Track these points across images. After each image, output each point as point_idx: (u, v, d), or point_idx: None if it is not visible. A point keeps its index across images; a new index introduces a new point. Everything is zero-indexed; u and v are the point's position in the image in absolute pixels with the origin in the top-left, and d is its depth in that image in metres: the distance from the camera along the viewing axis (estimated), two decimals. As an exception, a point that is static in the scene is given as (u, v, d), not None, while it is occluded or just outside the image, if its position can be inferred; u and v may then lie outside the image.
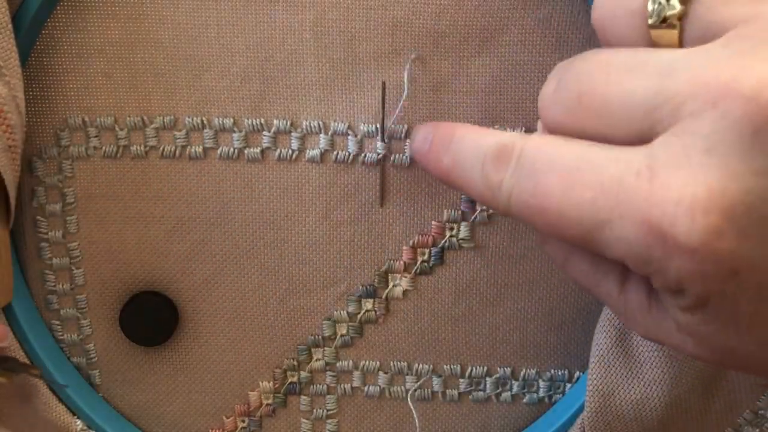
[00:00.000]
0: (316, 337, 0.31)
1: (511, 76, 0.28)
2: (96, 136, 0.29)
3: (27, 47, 0.27)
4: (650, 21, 0.19)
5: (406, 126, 0.28)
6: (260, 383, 0.31)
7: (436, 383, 0.31)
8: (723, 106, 0.16)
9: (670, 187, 0.17)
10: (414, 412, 0.31)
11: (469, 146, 0.22)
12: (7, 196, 0.26)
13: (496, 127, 0.28)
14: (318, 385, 0.31)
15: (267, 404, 0.31)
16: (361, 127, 0.28)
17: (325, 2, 0.27)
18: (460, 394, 0.31)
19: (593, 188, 0.18)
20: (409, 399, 0.31)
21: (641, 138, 0.18)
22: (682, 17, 0.19)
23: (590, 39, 0.27)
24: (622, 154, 0.18)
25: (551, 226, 0.19)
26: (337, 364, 0.31)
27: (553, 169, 0.19)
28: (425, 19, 0.27)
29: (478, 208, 0.29)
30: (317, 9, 0.27)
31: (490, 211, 0.29)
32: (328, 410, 0.32)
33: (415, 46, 0.27)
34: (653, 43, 0.19)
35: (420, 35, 0.27)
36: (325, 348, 0.31)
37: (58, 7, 0.27)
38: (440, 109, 0.28)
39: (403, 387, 0.31)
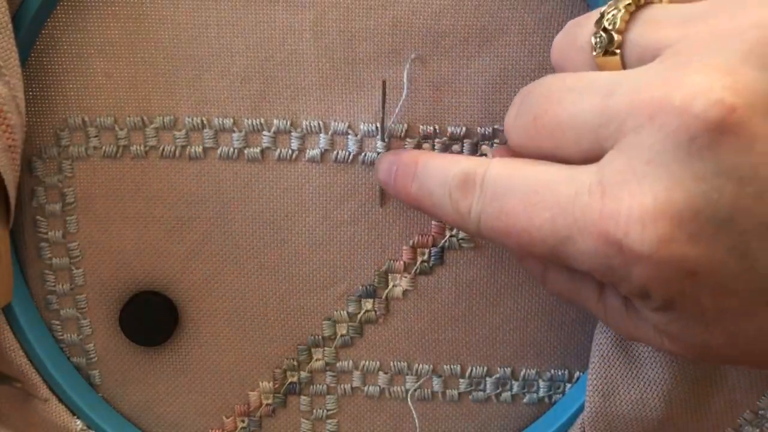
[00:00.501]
0: (316, 337, 0.31)
1: (511, 76, 0.28)
2: (96, 136, 0.29)
3: (27, 47, 0.27)
4: (595, 53, 0.21)
5: (406, 125, 0.28)
6: (260, 383, 0.31)
7: (436, 383, 0.31)
8: (659, 119, 0.17)
9: (620, 200, 0.18)
10: (414, 412, 0.31)
11: (434, 174, 0.23)
12: (7, 196, 0.26)
13: (495, 126, 0.28)
14: (318, 385, 0.31)
15: (267, 404, 0.31)
16: (361, 127, 0.28)
17: (325, 2, 0.27)
18: (460, 394, 0.31)
19: (551, 208, 0.19)
20: (409, 399, 0.31)
21: (592, 156, 0.19)
22: (620, 45, 0.20)
23: (590, 39, 0.27)
24: (575, 173, 0.19)
25: (520, 245, 0.21)
26: (337, 364, 0.31)
27: (513, 193, 0.20)
28: (425, 18, 0.27)
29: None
30: (317, 9, 0.27)
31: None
32: (328, 410, 0.32)
33: (415, 46, 0.28)
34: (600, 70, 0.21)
35: (420, 35, 0.27)
36: (325, 348, 0.31)
37: (58, 7, 0.27)
38: (440, 108, 0.28)
39: (403, 387, 0.31)
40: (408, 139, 0.28)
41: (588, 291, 0.23)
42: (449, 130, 0.28)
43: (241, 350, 0.31)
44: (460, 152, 0.28)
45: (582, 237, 0.19)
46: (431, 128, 0.28)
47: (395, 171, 0.25)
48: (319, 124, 0.28)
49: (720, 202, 0.17)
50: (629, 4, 0.21)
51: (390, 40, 0.27)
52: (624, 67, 0.21)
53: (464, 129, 0.28)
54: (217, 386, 0.31)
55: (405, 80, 0.28)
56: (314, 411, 0.32)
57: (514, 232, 0.20)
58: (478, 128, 0.28)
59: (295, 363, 0.31)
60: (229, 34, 0.28)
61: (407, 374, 0.31)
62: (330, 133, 0.28)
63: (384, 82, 0.28)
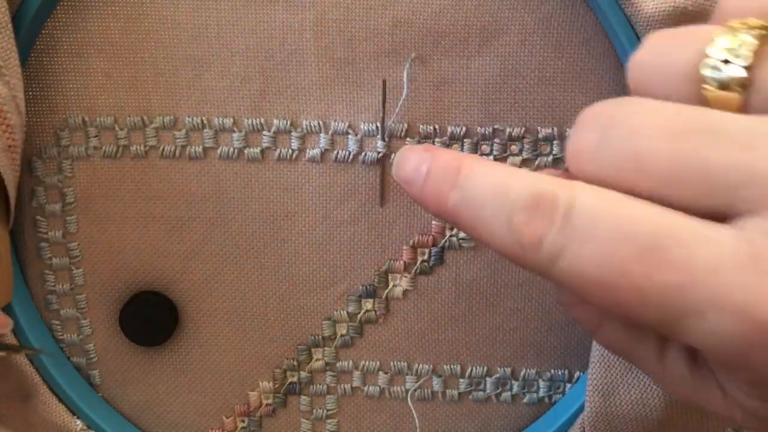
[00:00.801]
0: (316, 337, 0.31)
1: (511, 76, 0.28)
2: (96, 136, 0.29)
3: (27, 47, 0.27)
4: (707, 86, 0.17)
5: (406, 125, 0.28)
6: (260, 383, 0.31)
7: (436, 383, 0.31)
8: None
9: None
10: (414, 412, 0.31)
11: (486, 186, 0.19)
12: (7, 196, 0.26)
13: (495, 126, 0.28)
14: (318, 385, 0.31)
15: (267, 404, 0.31)
16: (362, 126, 0.28)
17: (325, 2, 0.27)
18: (460, 394, 0.31)
19: (682, 272, 0.16)
20: (409, 399, 0.31)
21: (715, 213, 0.16)
22: (746, 84, 0.17)
23: (590, 39, 0.27)
24: (709, 234, 0.16)
25: (619, 305, 0.17)
26: (337, 364, 0.31)
27: (624, 238, 0.16)
28: (425, 18, 0.27)
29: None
30: (317, 9, 0.27)
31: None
32: (328, 410, 0.31)
33: (415, 46, 0.28)
34: (707, 106, 0.17)
35: (420, 35, 0.27)
36: (325, 348, 0.31)
37: (58, 7, 0.27)
38: (440, 108, 0.28)
39: (403, 387, 0.31)
40: (408, 139, 0.28)
41: (647, 351, 0.20)
42: (449, 129, 0.28)
43: (241, 350, 0.31)
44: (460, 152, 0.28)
45: (718, 316, 0.15)
46: (431, 128, 0.28)
47: (427, 172, 0.21)
48: (319, 123, 0.28)
49: None
50: (763, 29, 0.17)
51: (390, 40, 0.27)
52: (746, 109, 0.17)
53: (464, 129, 0.28)
54: (217, 386, 0.31)
55: (405, 80, 0.28)
56: (314, 411, 0.31)
57: (620, 289, 0.16)
58: (478, 128, 0.28)
59: (295, 363, 0.31)
60: (229, 34, 0.28)
61: (407, 374, 0.31)
62: (330, 132, 0.28)
63: (384, 82, 0.28)
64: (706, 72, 0.17)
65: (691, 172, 0.16)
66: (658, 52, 0.18)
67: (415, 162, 0.21)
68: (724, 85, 0.17)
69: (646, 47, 0.19)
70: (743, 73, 0.16)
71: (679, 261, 0.16)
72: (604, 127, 0.18)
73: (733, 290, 0.15)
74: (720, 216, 0.16)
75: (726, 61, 0.17)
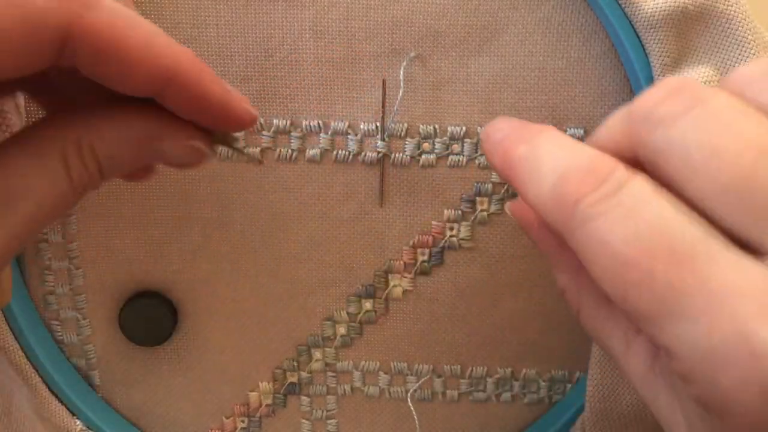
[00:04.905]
0: (316, 337, 0.31)
1: (511, 76, 0.28)
2: (96, 136, 0.28)
3: (27, 47, 0.27)
4: None
5: (406, 125, 0.28)
6: (260, 383, 0.31)
7: (436, 383, 0.31)
8: None
9: None
10: (414, 412, 0.31)
11: (557, 148, 0.19)
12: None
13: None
14: (318, 386, 0.31)
15: (267, 404, 0.31)
16: (361, 126, 0.28)
17: (324, 2, 0.27)
18: (460, 394, 0.31)
19: (698, 280, 0.16)
20: (409, 399, 0.31)
21: (747, 241, 0.16)
22: None
23: (590, 39, 0.27)
24: (740, 259, 0.16)
25: (624, 282, 0.17)
26: (337, 365, 0.31)
27: (663, 233, 0.16)
28: (425, 18, 0.27)
29: (478, 208, 0.29)
30: (317, 8, 0.27)
31: (491, 210, 0.29)
32: (328, 410, 0.31)
33: (414, 45, 0.27)
34: None
35: (420, 34, 0.27)
36: (325, 348, 0.31)
37: (58, 7, 0.27)
38: (440, 107, 0.28)
39: (403, 387, 0.31)
40: (408, 139, 0.28)
41: (617, 341, 0.21)
42: (449, 129, 0.28)
43: (240, 350, 0.31)
44: (461, 152, 0.28)
45: (707, 328, 0.15)
46: (431, 128, 0.28)
47: (512, 129, 0.21)
48: (319, 123, 0.28)
49: None
50: None
51: (390, 39, 0.27)
52: None
53: (464, 128, 0.28)
54: (217, 386, 0.31)
55: (401, 78, 0.28)
56: (314, 411, 0.31)
57: (633, 267, 0.16)
58: (478, 128, 0.28)
59: (295, 363, 0.31)
60: (229, 34, 0.28)
61: (407, 374, 0.31)
62: (330, 132, 0.28)
63: (384, 81, 0.28)
64: None
65: (753, 196, 0.16)
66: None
67: (506, 123, 0.22)
68: None
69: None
70: None
71: (701, 271, 0.16)
72: (689, 106, 0.17)
73: (737, 313, 0.15)
74: (752, 246, 0.16)
75: None
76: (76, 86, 0.21)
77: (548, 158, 0.19)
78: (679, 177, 0.17)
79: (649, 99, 0.18)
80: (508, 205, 0.25)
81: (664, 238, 0.16)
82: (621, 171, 0.18)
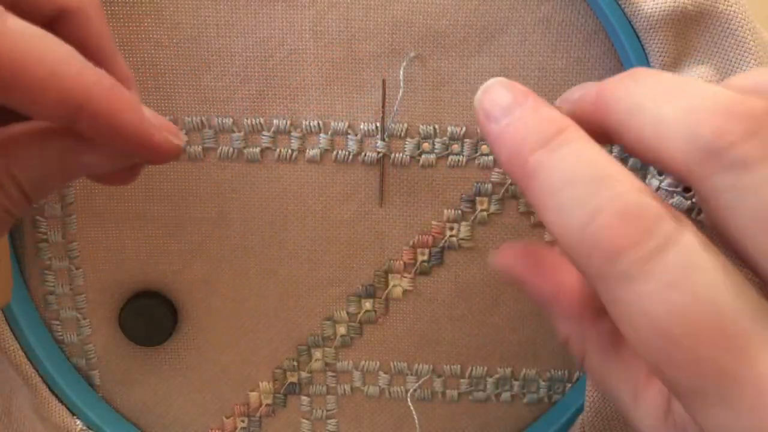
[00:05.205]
0: (316, 337, 0.31)
1: (511, 76, 0.28)
2: (96, 136, 0.28)
3: (27, 47, 0.27)
4: None
5: (406, 125, 0.28)
6: (260, 383, 0.31)
7: (436, 383, 0.31)
8: None
9: None
10: (414, 412, 0.31)
11: (585, 165, 0.16)
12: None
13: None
14: (318, 386, 0.31)
15: (267, 404, 0.31)
16: (361, 126, 0.28)
17: (324, 2, 0.27)
18: (460, 394, 0.31)
19: (741, 365, 0.15)
20: (409, 399, 0.31)
21: None
22: None
23: (590, 39, 0.27)
24: None
25: (665, 354, 0.15)
26: (337, 365, 0.31)
27: (713, 311, 0.15)
28: (425, 18, 0.27)
29: (478, 208, 0.29)
30: (317, 8, 0.27)
31: (491, 210, 0.29)
32: (328, 410, 0.31)
33: (414, 46, 0.27)
34: None
35: (420, 34, 0.27)
36: (325, 348, 0.31)
37: (58, 7, 0.27)
38: (440, 107, 0.28)
39: (403, 387, 0.31)
40: (408, 139, 0.28)
41: (626, 392, 0.20)
42: (449, 129, 0.28)
43: (240, 350, 0.31)
44: (460, 152, 0.28)
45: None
46: (431, 128, 0.28)
47: (519, 117, 0.18)
48: (318, 123, 0.28)
49: None
50: None
51: (390, 39, 0.27)
52: None
53: (464, 129, 0.28)
54: (217, 386, 0.31)
55: (401, 78, 0.28)
56: (314, 411, 0.31)
57: (675, 343, 0.15)
58: (478, 128, 0.28)
59: (295, 363, 0.31)
60: (229, 34, 0.28)
61: (407, 374, 0.31)
62: (330, 132, 0.28)
63: (384, 81, 0.28)
64: None
65: None
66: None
67: (507, 100, 0.18)
68: None
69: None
70: None
71: (754, 359, 0.14)
72: (764, 136, 0.15)
73: None
74: None
75: None
76: None
77: (576, 181, 0.16)
78: (741, 229, 0.15)
79: (725, 130, 0.15)
80: (492, 257, 0.22)
81: (716, 318, 0.15)
82: (668, 222, 0.15)
